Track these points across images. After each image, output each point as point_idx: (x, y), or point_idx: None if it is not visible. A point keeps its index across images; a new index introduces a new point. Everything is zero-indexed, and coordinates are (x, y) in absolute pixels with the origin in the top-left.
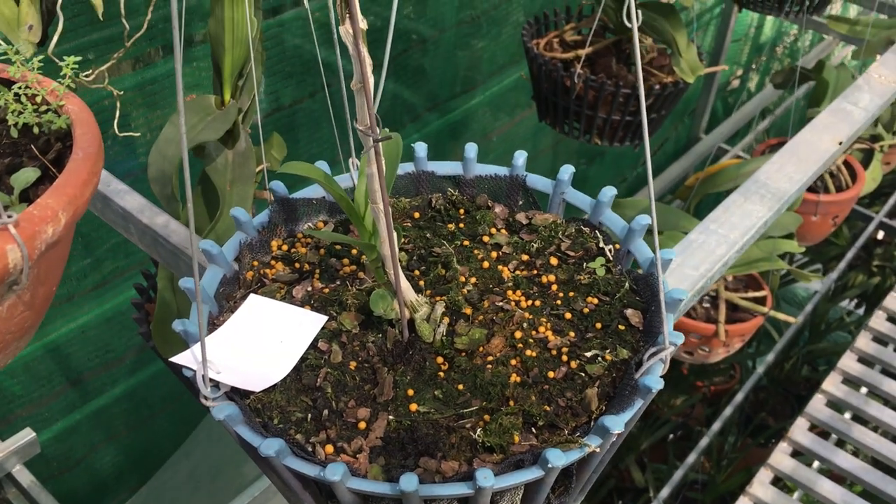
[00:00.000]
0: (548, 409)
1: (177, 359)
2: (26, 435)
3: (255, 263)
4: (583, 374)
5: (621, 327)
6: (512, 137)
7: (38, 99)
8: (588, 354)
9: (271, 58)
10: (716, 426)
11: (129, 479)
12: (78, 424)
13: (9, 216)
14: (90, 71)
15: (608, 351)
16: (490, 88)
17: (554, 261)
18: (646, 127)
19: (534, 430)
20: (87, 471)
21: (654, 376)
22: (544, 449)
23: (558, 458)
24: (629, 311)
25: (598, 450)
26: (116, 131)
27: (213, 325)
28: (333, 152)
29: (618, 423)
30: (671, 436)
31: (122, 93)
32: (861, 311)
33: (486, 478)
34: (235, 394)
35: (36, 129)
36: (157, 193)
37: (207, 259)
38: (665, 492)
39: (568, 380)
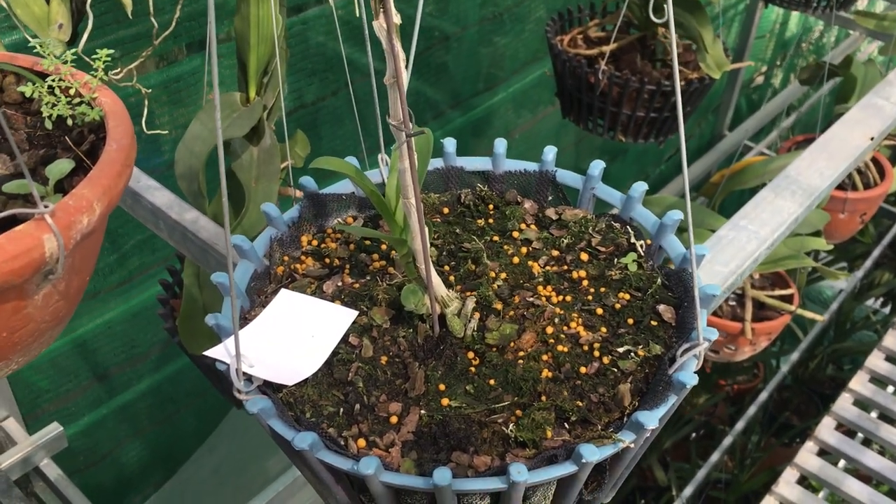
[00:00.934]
0: (580, 404)
1: (210, 352)
2: (54, 429)
3: (286, 258)
4: (615, 370)
5: (653, 323)
6: (534, 135)
7: (72, 91)
8: (620, 350)
9: (294, 55)
10: (739, 425)
11: (153, 473)
12: (104, 419)
13: (45, 206)
14: (118, 69)
15: (640, 346)
16: (512, 85)
17: (584, 256)
18: (682, 123)
19: (566, 425)
20: (112, 465)
21: (687, 372)
22: (577, 444)
23: (592, 454)
24: (661, 307)
25: (632, 445)
26: (144, 129)
27: (244, 319)
28: (356, 148)
29: (652, 419)
30: (694, 434)
31: (149, 90)
32: (887, 309)
33: (520, 472)
34: (268, 388)
35: (70, 121)
36: (185, 189)
37: (238, 254)
38: (688, 491)
39: (600, 375)
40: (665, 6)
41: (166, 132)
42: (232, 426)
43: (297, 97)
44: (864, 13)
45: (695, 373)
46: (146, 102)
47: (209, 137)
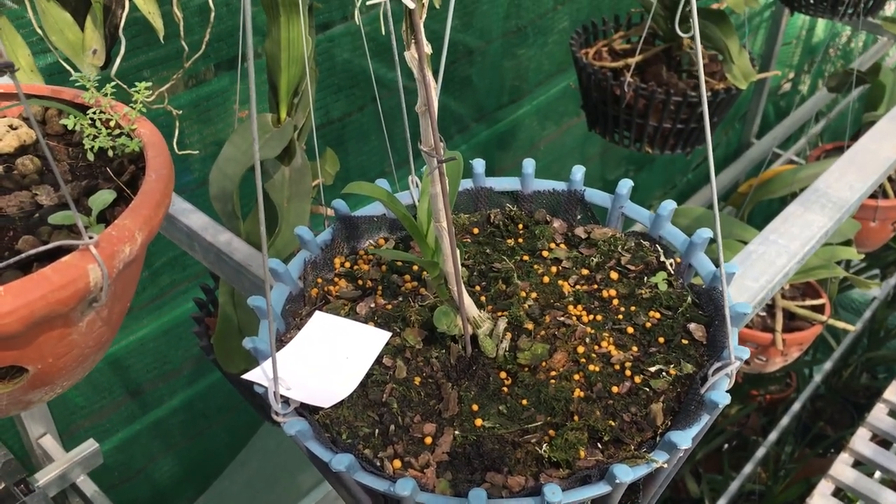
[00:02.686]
0: (613, 424)
1: (248, 376)
2: (90, 446)
3: (320, 281)
4: (647, 389)
5: (684, 342)
6: (559, 146)
7: (112, 123)
8: (652, 369)
9: (321, 72)
10: (772, 436)
11: (186, 488)
12: (138, 435)
13: (90, 237)
14: (150, 92)
15: (672, 365)
16: (537, 98)
17: (614, 275)
18: (709, 139)
19: (599, 445)
20: (146, 481)
21: (720, 391)
22: (611, 464)
23: (626, 474)
24: (692, 326)
25: (665, 465)
26: (175, 149)
27: (280, 342)
28: (382, 164)
29: (685, 439)
30: (726, 445)
31: (180, 112)
32: None
33: (554, 493)
34: (304, 409)
35: (110, 153)
36: (219, 211)
37: (273, 277)
38: (721, 502)
39: (632, 394)
40: (691, 19)
41: (197, 152)
42: (264, 441)
43: (323, 113)
44: (893, 19)
45: (727, 391)
46: (177, 124)
47: (242, 159)
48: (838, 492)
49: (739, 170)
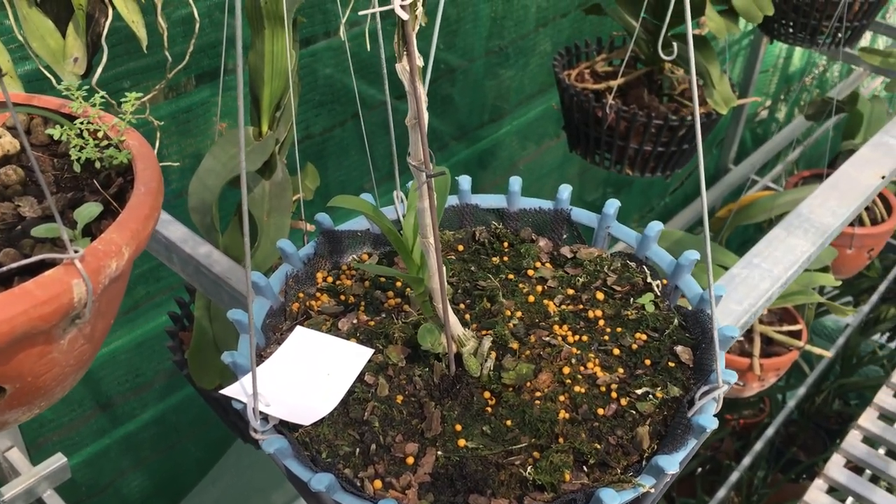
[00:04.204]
0: (598, 447)
1: (226, 391)
2: (58, 460)
3: (301, 295)
4: (633, 412)
5: (671, 364)
6: (539, 166)
7: (100, 134)
8: (638, 391)
9: (303, 87)
10: (746, 460)
11: None
12: (107, 449)
13: (75, 251)
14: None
15: (659, 388)
16: (517, 118)
17: (600, 295)
18: (702, 166)
19: (585, 468)
20: (115, 496)
21: (707, 415)
22: (596, 488)
23: (612, 499)
24: (679, 348)
25: (652, 490)
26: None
27: (260, 357)
28: (362, 179)
29: (672, 464)
30: (700, 470)
31: (161, 122)
32: (893, 344)
33: None
34: (283, 427)
35: (98, 164)
36: (198, 223)
37: (254, 291)
38: None
39: (618, 417)
40: (675, 43)
41: (177, 163)
42: (236, 458)
43: (304, 128)
44: (870, 50)
45: (714, 416)
46: (158, 135)
47: (222, 171)
48: None
49: (717, 195)
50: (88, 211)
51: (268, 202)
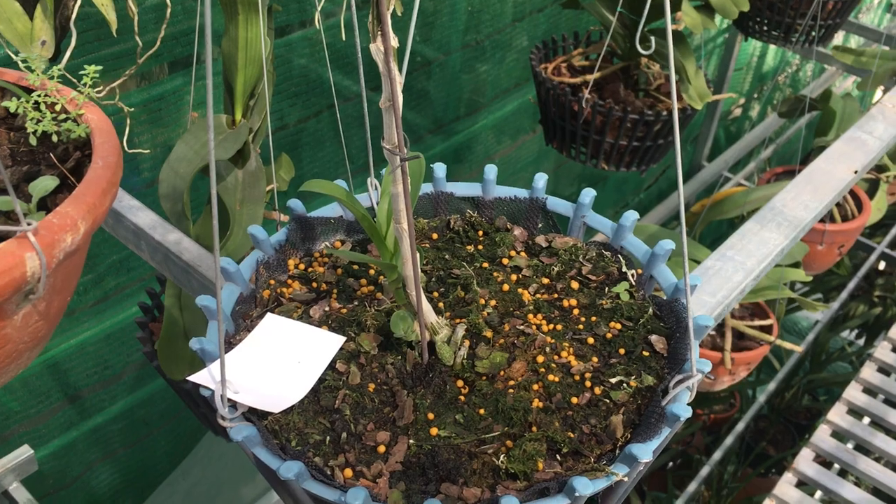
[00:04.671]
0: (572, 435)
1: (194, 378)
2: (24, 452)
3: (272, 282)
4: (607, 401)
5: (645, 353)
6: (514, 161)
7: (58, 107)
8: (612, 380)
9: (278, 78)
10: (717, 455)
11: (125, 498)
12: (75, 442)
13: (28, 223)
14: (100, 87)
15: (633, 377)
16: (494, 112)
17: (575, 285)
18: (679, 159)
19: (558, 457)
20: (83, 489)
21: (681, 404)
22: (570, 477)
23: (585, 487)
24: (654, 337)
25: (625, 479)
26: (125, 147)
27: (229, 343)
28: (336, 171)
29: (646, 452)
30: (671, 464)
31: (131, 109)
32: (862, 341)
33: None
34: (253, 414)
35: (55, 138)
36: (168, 210)
37: (224, 277)
38: None
39: (592, 406)
40: (651, 37)
41: (147, 151)
42: (206, 451)
43: (278, 118)
44: (843, 49)
45: (688, 404)
46: (128, 121)
47: (194, 159)
48: None
49: (690, 191)
50: (43, 184)
51: (241, 191)
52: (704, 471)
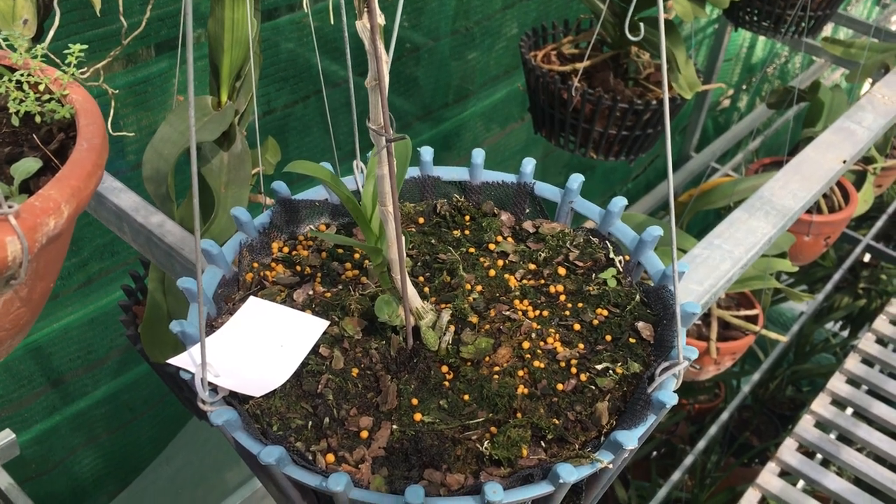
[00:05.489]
0: (557, 422)
1: (174, 361)
2: (6, 436)
3: (256, 265)
4: (593, 388)
5: (632, 340)
6: (502, 149)
7: (41, 87)
8: (598, 367)
9: (265, 62)
10: (701, 444)
11: (108, 483)
12: (58, 426)
13: (9, 206)
14: (84, 68)
15: (619, 364)
16: (482, 100)
17: (562, 271)
18: (668, 137)
19: (542, 443)
20: (65, 474)
21: (667, 391)
22: (554, 463)
23: (570, 474)
24: (640, 324)
25: (610, 466)
26: (110, 130)
27: (211, 327)
28: (323, 157)
29: (631, 439)
30: (655, 453)
31: (116, 91)
32: (846, 333)
33: (496, 492)
34: (234, 398)
35: (38, 119)
36: (152, 193)
37: (206, 259)
38: None
39: (577, 393)
40: (641, 24)
41: (133, 134)
42: (190, 436)
43: (265, 102)
44: (833, 40)
45: (674, 392)
46: (112, 104)
47: (179, 140)
48: (764, 500)
49: (678, 182)
50: (26, 166)
51: (226, 174)
52: (688, 460)
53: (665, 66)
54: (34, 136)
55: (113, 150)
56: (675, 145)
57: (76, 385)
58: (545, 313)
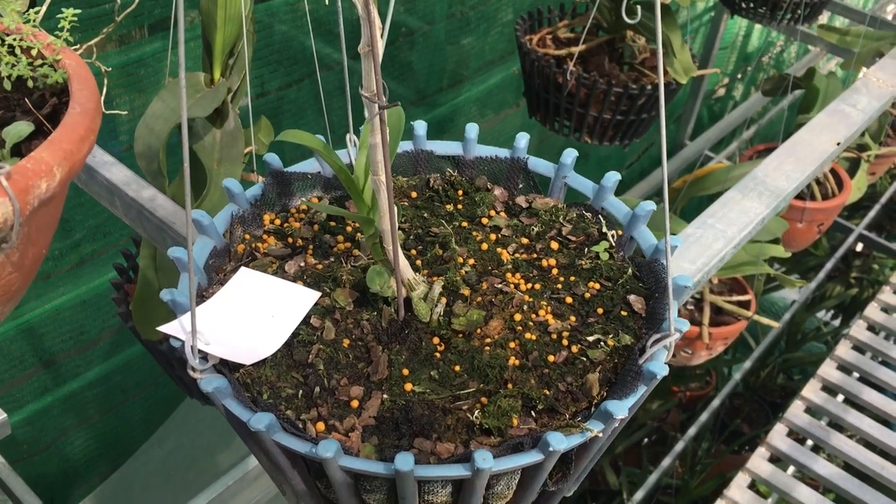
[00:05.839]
0: (547, 393)
1: (164, 328)
2: None
3: (247, 237)
4: (584, 359)
5: (623, 313)
6: (497, 134)
7: (34, 52)
8: (590, 339)
9: (258, 43)
10: (691, 431)
11: (100, 464)
12: (49, 407)
13: (0, 167)
14: (77, 45)
15: (610, 336)
16: (477, 85)
17: (554, 245)
18: (663, 108)
19: (533, 413)
20: (57, 455)
21: (658, 362)
22: (544, 433)
23: (560, 442)
24: (632, 297)
25: (600, 435)
26: (103, 108)
27: (201, 297)
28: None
29: (622, 408)
30: (646, 440)
31: (109, 69)
32: (837, 322)
33: (486, 459)
34: (224, 367)
35: (30, 83)
36: (144, 168)
37: (198, 230)
38: (639, 495)
39: (568, 364)
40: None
41: (125, 112)
42: (182, 419)
43: (258, 84)
44: (828, 27)
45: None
46: (105, 81)
47: (170, 116)
48: (754, 485)
49: (672, 169)
50: (17, 130)
51: (218, 151)
52: (679, 446)
53: (660, 50)
54: (26, 100)
55: (105, 130)
56: (669, 133)
57: (68, 366)
58: (537, 286)
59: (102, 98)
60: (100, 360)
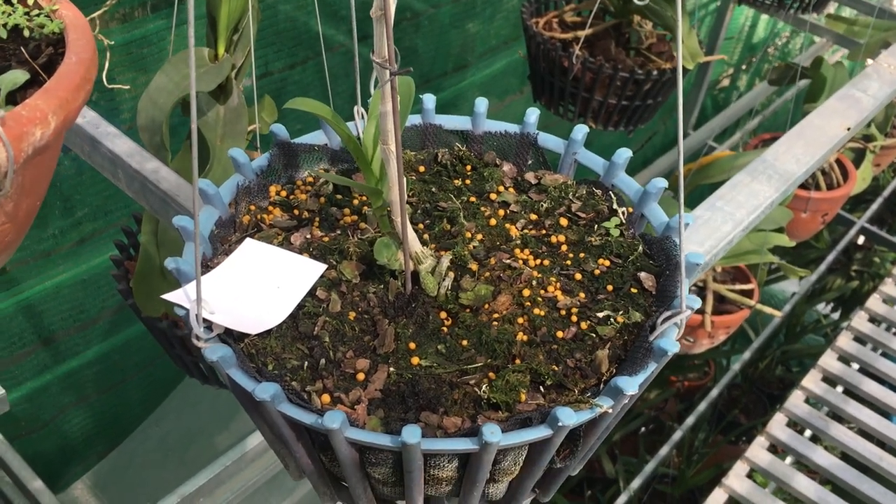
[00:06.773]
0: (556, 368)
1: (169, 296)
2: None
3: (253, 208)
4: (593, 336)
5: (634, 290)
6: (501, 119)
7: (30, 2)
8: (599, 315)
9: (263, 23)
10: (689, 420)
11: (98, 443)
12: (48, 385)
13: None
14: None
15: (620, 313)
16: (481, 70)
17: (564, 221)
18: (680, 79)
19: (541, 389)
20: (55, 433)
21: (669, 339)
22: (552, 408)
23: (569, 417)
24: (643, 275)
25: (609, 411)
26: (105, 82)
27: (206, 266)
28: (318, 124)
29: (632, 385)
30: (643, 429)
31: (112, 42)
32: (837, 314)
33: (493, 433)
34: (229, 337)
35: (26, 33)
36: (146, 142)
37: (203, 199)
38: (635, 483)
39: (577, 340)
40: None
41: (128, 87)
42: (181, 398)
43: (262, 64)
44: (836, 17)
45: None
46: (108, 54)
47: (174, 90)
48: (752, 473)
49: (675, 158)
50: (12, 78)
51: (222, 127)
52: (676, 435)
53: (680, 23)
54: (22, 49)
55: (107, 109)
56: (672, 122)
57: (67, 344)
58: (546, 262)
59: (104, 73)
60: (99, 339)
